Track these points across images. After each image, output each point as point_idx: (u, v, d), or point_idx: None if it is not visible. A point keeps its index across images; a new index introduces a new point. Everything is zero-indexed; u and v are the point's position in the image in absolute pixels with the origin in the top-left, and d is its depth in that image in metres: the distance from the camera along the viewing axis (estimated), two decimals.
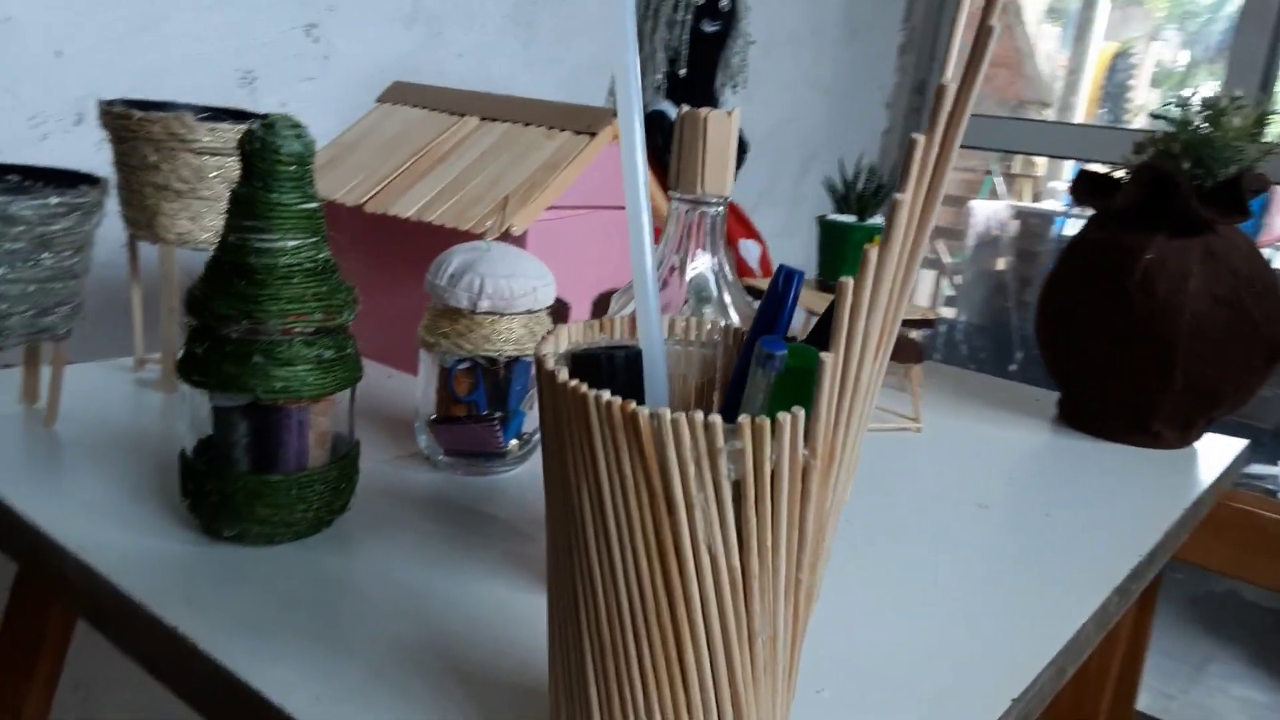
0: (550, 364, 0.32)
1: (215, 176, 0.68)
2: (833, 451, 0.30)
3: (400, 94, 0.91)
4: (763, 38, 2.02)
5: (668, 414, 0.28)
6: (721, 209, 0.49)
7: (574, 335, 0.38)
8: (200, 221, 0.69)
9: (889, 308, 0.30)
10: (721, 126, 0.47)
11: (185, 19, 1.15)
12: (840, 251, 0.89)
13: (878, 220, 0.90)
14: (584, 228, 0.80)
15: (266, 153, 0.49)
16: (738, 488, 0.29)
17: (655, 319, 0.35)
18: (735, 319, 0.49)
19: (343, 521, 0.55)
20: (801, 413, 0.29)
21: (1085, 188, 0.87)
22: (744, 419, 0.28)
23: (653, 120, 1.08)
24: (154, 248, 0.71)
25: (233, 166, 0.69)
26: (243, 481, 0.50)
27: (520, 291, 0.61)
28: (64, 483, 0.57)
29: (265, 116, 0.50)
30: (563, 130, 0.80)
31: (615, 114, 0.78)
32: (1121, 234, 0.83)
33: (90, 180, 0.63)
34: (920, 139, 0.29)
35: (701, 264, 0.49)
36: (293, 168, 0.50)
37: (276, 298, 0.49)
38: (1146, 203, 0.82)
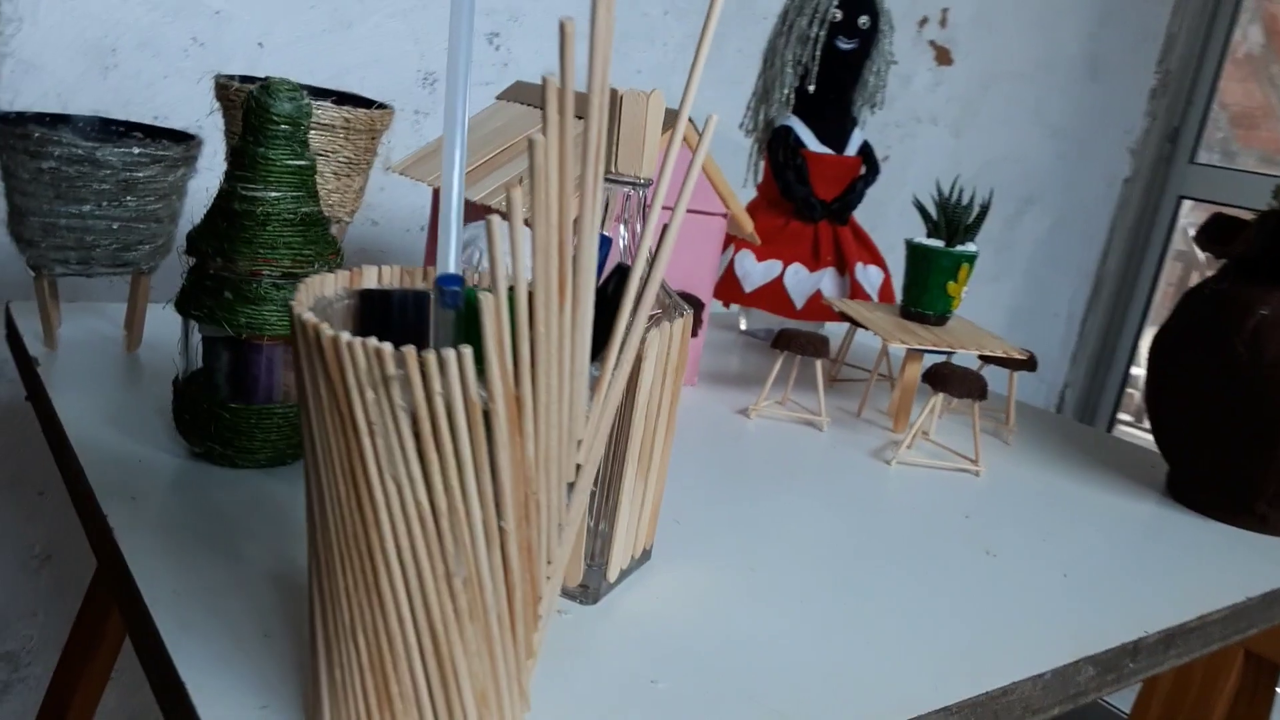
0: (298, 301, 0.33)
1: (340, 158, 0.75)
2: (519, 399, 0.30)
3: (517, 92, 0.96)
4: (982, 71, 1.94)
5: (345, 337, 0.29)
6: (635, 189, 0.48)
7: (381, 279, 0.39)
8: None
9: (562, 253, 0.29)
10: (636, 107, 0.47)
11: (376, 21, 1.27)
12: (924, 278, 0.85)
13: (969, 247, 0.84)
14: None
15: (261, 111, 0.54)
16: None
17: (455, 261, 0.36)
18: None
19: None
20: (468, 351, 0.29)
21: (1212, 234, 0.78)
22: (408, 350, 0.29)
23: (777, 135, 1.07)
24: None
25: (314, 138, 0.76)
26: (207, 404, 0.55)
27: None
28: (104, 396, 0.65)
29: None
30: None
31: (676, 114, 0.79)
32: (1238, 286, 0.73)
33: (181, 138, 0.72)
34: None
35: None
36: (284, 126, 0.55)
37: (250, 241, 0.54)
38: (1270, 253, 0.71)
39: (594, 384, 0.33)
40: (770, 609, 0.52)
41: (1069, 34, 2.11)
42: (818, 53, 1.04)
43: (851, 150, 1.08)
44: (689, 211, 0.84)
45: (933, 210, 0.85)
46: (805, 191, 1.06)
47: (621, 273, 0.34)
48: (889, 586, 0.57)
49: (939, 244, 0.84)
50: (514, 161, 0.84)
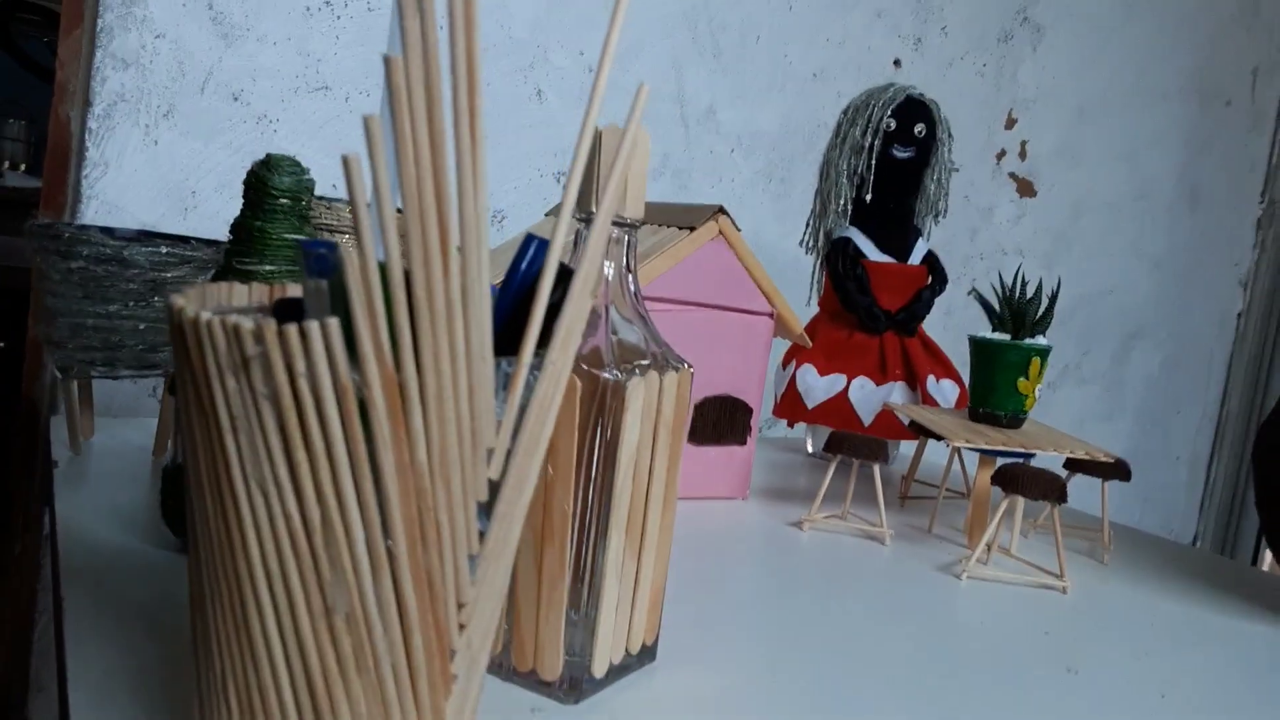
0: (185, 298, 0.30)
1: None
2: (402, 386, 0.26)
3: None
4: (1069, 202, 1.88)
5: (205, 315, 0.26)
6: (618, 229, 0.45)
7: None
8: None
9: (440, 203, 0.25)
10: (615, 143, 0.43)
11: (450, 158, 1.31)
12: (991, 375, 0.77)
13: (1039, 341, 0.77)
14: (680, 324, 0.77)
15: (260, 185, 0.53)
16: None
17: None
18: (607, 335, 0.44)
19: None
20: (335, 322, 0.25)
21: None
22: (267, 324, 0.25)
23: (836, 246, 1.04)
24: None
25: (344, 243, 0.76)
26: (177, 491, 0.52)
27: None
28: (110, 494, 0.63)
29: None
30: (669, 226, 0.79)
31: (721, 211, 0.76)
32: None
33: (210, 243, 0.72)
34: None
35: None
36: (283, 200, 0.54)
37: None
38: None
39: (510, 381, 0.28)
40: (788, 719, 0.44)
41: (1160, 165, 2.05)
42: (873, 162, 1.01)
43: (915, 259, 1.04)
44: (732, 310, 0.80)
45: (995, 302, 0.79)
46: (868, 301, 1.01)
47: (563, 274, 0.30)
48: (948, 700, 0.48)
49: (1005, 337, 0.77)
50: None
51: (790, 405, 1.03)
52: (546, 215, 0.98)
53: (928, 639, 0.57)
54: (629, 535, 0.44)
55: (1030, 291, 0.78)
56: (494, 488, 0.29)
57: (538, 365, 0.29)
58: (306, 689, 0.27)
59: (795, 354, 1.05)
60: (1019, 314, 0.77)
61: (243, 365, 0.26)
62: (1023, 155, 1.81)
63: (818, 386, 1.01)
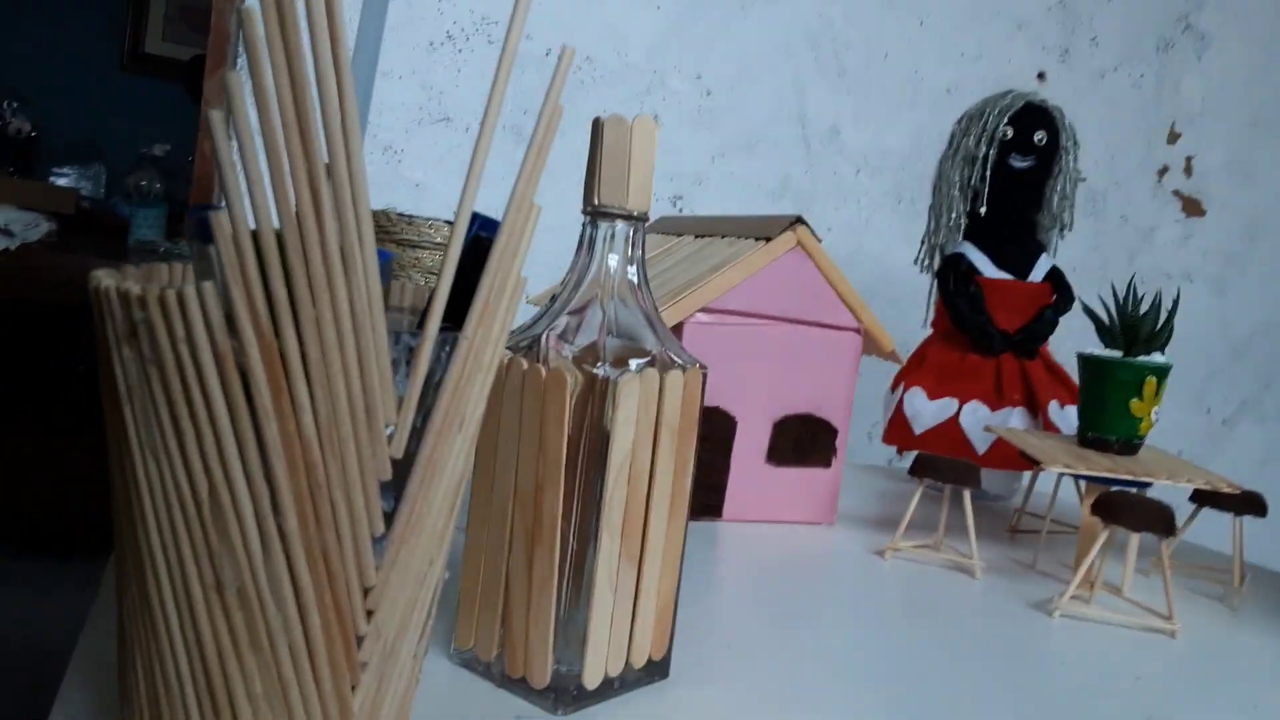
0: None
1: (414, 267, 0.77)
2: (283, 354, 0.25)
3: (659, 225, 0.95)
4: (1244, 221, 1.72)
5: (106, 283, 0.26)
6: (625, 223, 0.43)
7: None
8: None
9: (308, 154, 0.24)
10: (619, 133, 0.42)
11: (562, 190, 1.32)
12: (1099, 395, 0.70)
13: (1155, 358, 0.69)
14: (756, 339, 0.75)
15: None
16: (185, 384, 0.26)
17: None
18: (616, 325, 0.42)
19: None
20: (208, 287, 0.24)
21: None
22: (149, 289, 0.25)
23: (948, 262, 0.98)
24: None
25: (428, 258, 0.77)
26: None
27: None
28: None
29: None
30: (745, 239, 0.77)
31: (799, 221, 0.73)
32: None
33: None
34: None
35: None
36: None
37: None
38: None
39: (414, 355, 0.27)
40: None
41: None
42: (987, 173, 0.95)
43: (1037, 276, 0.97)
44: (814, 325, 0.76)
45: (1105, 316, 0.72)
46: (981, 320, 0.95)
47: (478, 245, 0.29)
48: None
49: (1115, 354, 0.70)
50: None
51: (898, 431, 0.98)
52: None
53: (988, 673, 0.52)
54: (626, 542, 0.41)
55: (1146, 305, 0.71)
56: (404, 467, 0.28)
57: (452, 341, 0.28)
58: (200, 662, 0.27)
59: (904, 376, 0.99)
60: (1131, 328, 0.70)
61: (133, 332, 0.26)
62: (1188, 172, 1.67)
63: (927, 411, 0.96)
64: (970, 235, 0.98)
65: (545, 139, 0.29)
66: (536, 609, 0.41)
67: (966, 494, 0.70)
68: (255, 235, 0.24)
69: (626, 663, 0.43)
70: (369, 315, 0.26)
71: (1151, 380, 0.69)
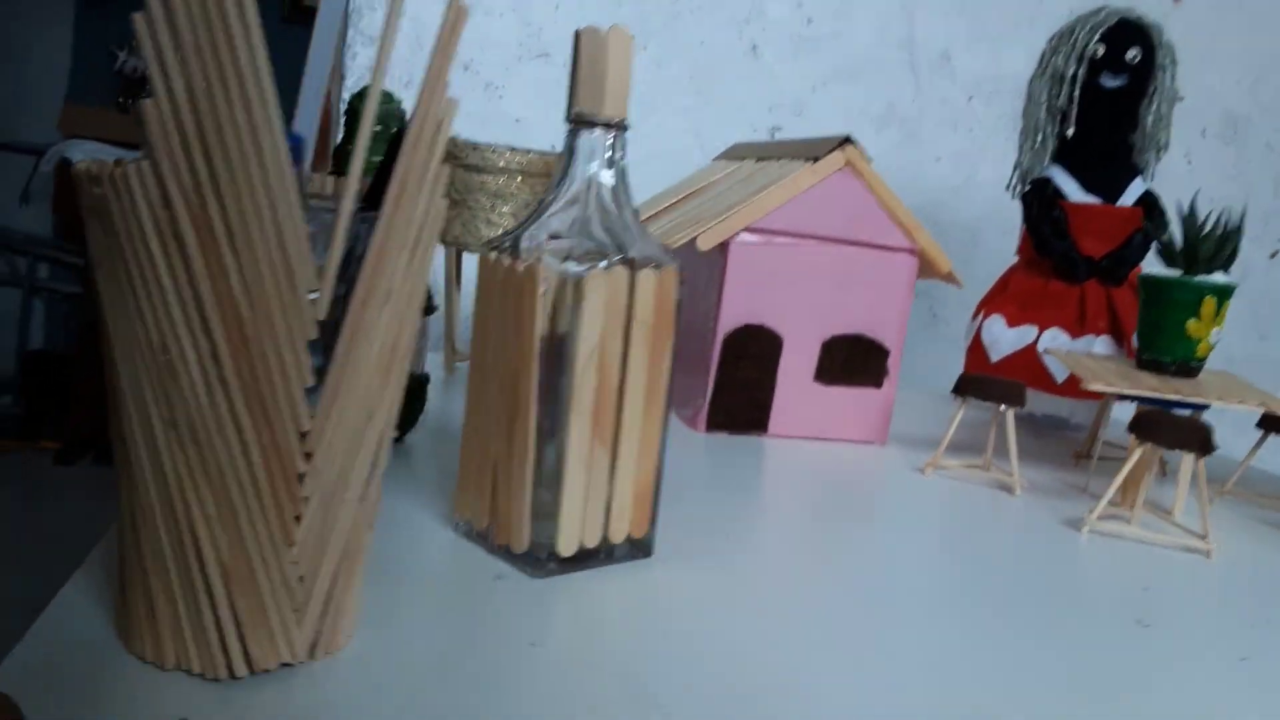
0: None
1: (480, 190, 0.82)
2: (209, 220, 0.29)
3: (730, 152, 0.96)
4: None
5: (81, 165, 0.31)
6: (604, 131, 0.45)
7: None
8: (469, 227, 0.83)
9: (217, 50, 0.28)
10: (595, 43, 0.44)
11: (661, 119, 1.35)
12: (1157, 315, 0.68)
13: (1217, 278, 0.66)
14: (804, 258, 0.75)
15: (354, 114, 0.60)
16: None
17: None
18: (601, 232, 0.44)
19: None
20: (147, 165, 0.29)
21: None
22: (103, 163, 0.30)
23: (1035, 186, 0.95)
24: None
25: (492, 181, 0.82)
26: None
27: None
28: None
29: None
30: (795, 159, 0.77)
31: (848, 141, 0.73)
32: None
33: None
34: None
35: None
36: (377, 128, 0.60)
37: None
38: None
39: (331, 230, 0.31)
40: (763, 621, 0.43)
41: None
42: (1075, 93, 0.92)
43: (1128, 200, 0.93)
44: (866, 246, 0.77)
45: (1173, 236, 0.69)
46: (1064, 246, 0.92)
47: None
48: (963, 622, 0.45)
49: (1175, 273, 0.68)
50: (688, 203, 0.84)
51: (976, 359, 0.96)
52: (714, 160, 0.99)
53: (986, 576, 0.52)
54: (598, 427, 0.45)
55: (1211, 223, 0.68)
56: (334, 330, 0.32)
57: (370, 220, 0.32)
58: (164, 489, 0.32)
59: (986, 304, 0.98)
60: (1191, 248, 0.67)
61: (95, 207, 0.31)
62: None
63: (1005, 338, 0.94)
64: (1060, 158, 0.95)
65: (451, 37, 0.32)
66: (515, 483, 0.45)
67: (1010, 413, 0.70)
68: (180, 122, 0.29)
69: (604, 538, 0.46)
70: (281, 190, 0.29)
71: (1210, 300, 0.66)
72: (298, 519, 0.33)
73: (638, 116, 1.41)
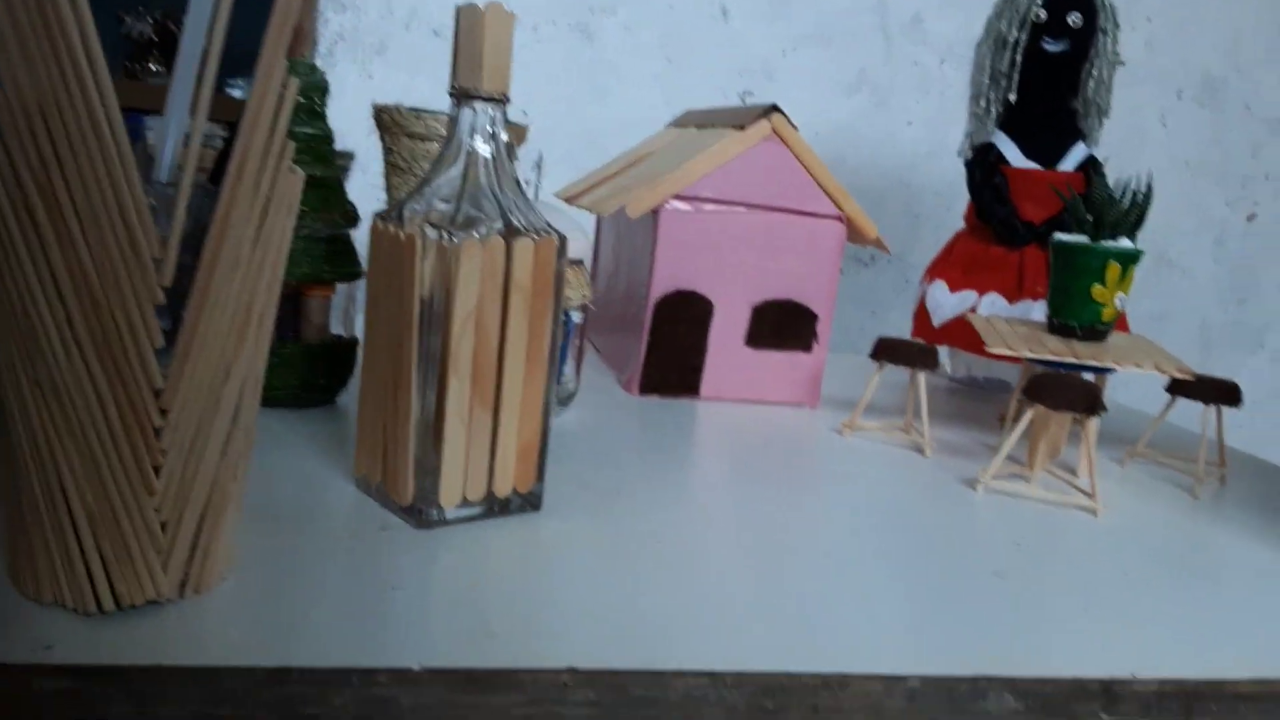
0: None
1: (425, 158, 0.84)
2: (54, 191, 0.32)
3: (679, 120, 0.98)
4: None
5: None
6: (486, 104, 0.48)
7: None
8: None
9: (52, 43, 0.31)
10: (473, 19, 0.47)
11: (633, 86, 1.36)
12: (1065, 280, 0.70)
13: (1122, 243, 0.68)
14: (737, 226, 0.78)
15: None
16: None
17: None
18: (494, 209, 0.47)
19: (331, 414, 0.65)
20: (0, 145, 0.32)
21: None
22: None
23: (978, 153, 0.96)
24: None
25: (434, 148, 0.84)
26: None
27: None
28: None
29: None
30: (723, 128, 0.79)
31: (774, 109, 0.75)
32: None
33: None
34: None
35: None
36: (300, 99, 0.62)
37: None
38: None
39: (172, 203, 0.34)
40: (640, 566, 0.46)
41: None
42: (1017, 58, 0.93)
43: (1069, 165, 0.94)
44: (793, 213, 0.79)
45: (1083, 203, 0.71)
46: (1005, 211, 0.93)
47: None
48: (846, 581, 0.48)
49: (1082, 239, 0.70)
50: (628, 170, 0.86)
51: (921, 325, 0.98)
52: (667, 126, 1.00)
53: (865, 528, 0.55)
54: (478, 388, 0.48)
55: (1121, 191, 0.70)
56: (183, 296, 0.35)
57: (212, 194, 0.35)
58: (35, 446, 0.35)
59: (932, 269, 1.00)
60: (1098, 213, 0.69)
61: None
62: None
63: (947, 304, 0.96)
64: (1004, 124, 0.96)
65: (286, 14, 0.35)
66: (400, 440, 0.48)
67: (922, 376, 0.72)
68: (25, 105, 0.31)
69: (489, 492, 0.50)
70: (119, 166, 0.32)
71: (1115, 266, 0.68)
72: (157, 470, 0.36)
73: (611, 83, 1.43)
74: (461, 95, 0.48)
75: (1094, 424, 0.63)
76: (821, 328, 0.82)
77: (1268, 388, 1.61)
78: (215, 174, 0.39)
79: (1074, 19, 0.91)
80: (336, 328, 0.67)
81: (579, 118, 1.33)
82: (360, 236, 0.66)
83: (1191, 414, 0.77)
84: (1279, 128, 1.53)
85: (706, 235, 0.77)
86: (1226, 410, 0.72)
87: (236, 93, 3.01)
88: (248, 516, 0.43)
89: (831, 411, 0.82)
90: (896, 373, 0.76)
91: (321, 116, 0.64)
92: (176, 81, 0.37)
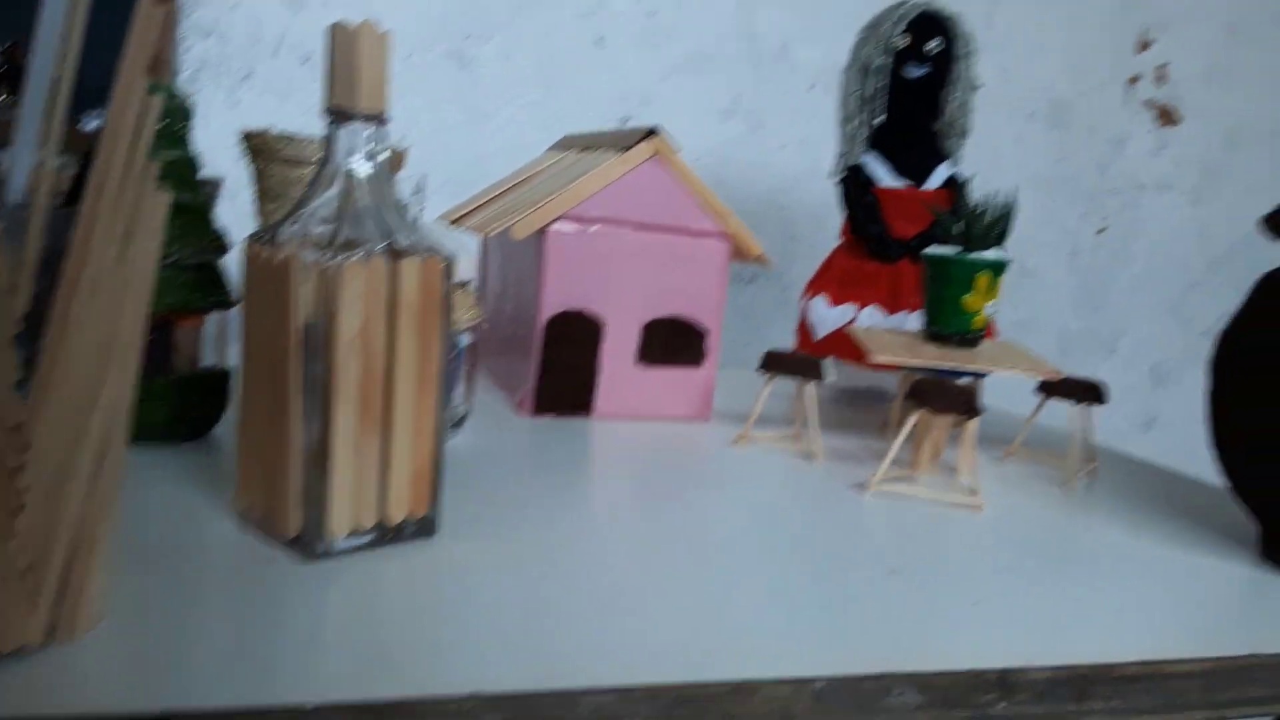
0: None
1: (297, 184, 0.82)
2: None
3: (561, 143, 0.98)
4: (1223, 130, 1.68)
5: None
6: (362, 122, 0.47)
7: None
8: None
9: None
10: (346, 38, 0.46)
11: (512, 112, 1.36)
12: (937, 291, 0.73)
13: (988, 254, 0.71)
14: (624, 246, 0.78)
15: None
16: None
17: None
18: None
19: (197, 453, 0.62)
20: None
21: None
22: None
23: (850, 173, 1.00)
24: None
25: (307, 174, 0.82)
26: None
27: None
28: None
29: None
30: (611, 150, 0.79)
31: (654, 132, 0.76)
32: None
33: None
34: None
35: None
36: (164, 122, 0.60)
37: None
38: None
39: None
40: (538, 582, 0.45)
41: None
42: (882, 83, 0.96)
43: (934, 184, 0.98)
44: (678, 233, 0.79)
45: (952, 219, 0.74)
46: (878, 229, 0.97)
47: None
48: (744, 585, 0.48)
49: (952, 251, 0.73)
50: (512, 193, 0.85)
51: (803, 337, 1.01)
52: (548, 150, 1.00)
53: (756, 531, 0.56)
54: (366, 412, 0.46)
55: (986, 205, 0.73)
56: (38, 324, 0.33)
57: (66, 217, 0.33)
58: None
59: (812, 285, 1.02)
60: (965, 227, 0.72)
61: None
62: (1161, 79, 1.64)
63: (829, 317, 0.98)
64: (873, 146, 1.00)
65: (143, 35, 0.33)
66: (283, 470, 0.46)
67: (809, 386, 0.74)
68: None
69: (381, 519, 0.48)
70: None
71: (984, 276, 0.71)
72: (17, 511, 0.33)
73: (490, 109, 1.42)
74: (337, 114, 0.47)
75: (973, 425, 0.65)
76: (711, 343, 0.83)
77: (1120, 388, 1.71)
78: (72, 196, 0.36)
79: (933, 45, 0.96)
80: (209, 359, 0.64)
81: (458, 144, 1.32)
82: (232, 264, 0.63)
83: (1059, 414, 0.81)
84: (1121, 147, 1.64)
85: (594, 255, 0.77)
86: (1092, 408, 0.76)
87: (91, 125, 2.88)
88: (123, 556, 0.40)
89: (724, 425, 0.82)
90: (784, 384, 0.78)
91: (184, 141, 0.61)
92: (26, 110, 0.35)
